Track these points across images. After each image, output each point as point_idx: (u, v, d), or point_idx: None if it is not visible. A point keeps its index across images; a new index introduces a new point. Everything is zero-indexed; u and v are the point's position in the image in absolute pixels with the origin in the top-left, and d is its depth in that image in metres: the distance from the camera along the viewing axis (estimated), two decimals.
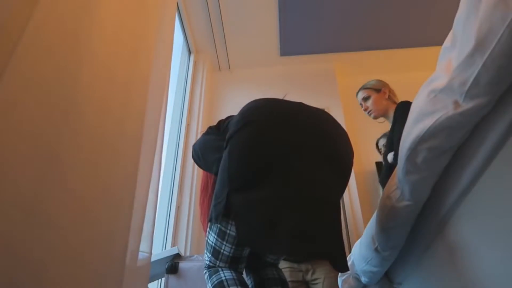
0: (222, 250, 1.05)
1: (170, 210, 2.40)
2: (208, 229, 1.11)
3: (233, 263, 1.07)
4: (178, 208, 2.45)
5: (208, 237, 1.10)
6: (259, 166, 0.96)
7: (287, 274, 1.84)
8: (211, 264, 1.09)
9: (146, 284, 0.99)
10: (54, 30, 0.68)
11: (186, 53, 3.16)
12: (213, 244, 1.07)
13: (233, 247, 1.04)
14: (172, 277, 1.62)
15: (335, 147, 1.04)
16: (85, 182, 0.72)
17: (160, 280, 2.00)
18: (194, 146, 1.44)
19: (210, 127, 1.40)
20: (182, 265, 1.65)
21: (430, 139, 0.63)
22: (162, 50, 1.18)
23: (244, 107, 1.16)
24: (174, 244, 2.27)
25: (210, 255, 1.09)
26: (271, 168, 0.95)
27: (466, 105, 0.56)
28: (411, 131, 0.67)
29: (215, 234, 1.06)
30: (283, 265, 1.88)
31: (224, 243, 1.04)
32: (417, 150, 0.66)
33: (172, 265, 1.64)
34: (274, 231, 0.87)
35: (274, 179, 0.93)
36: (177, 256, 1.69)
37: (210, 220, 1.08)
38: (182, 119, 2.80)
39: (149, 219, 0.97)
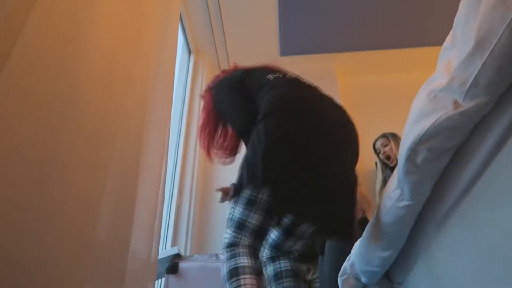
0: (248, 221, 1.07)
1: (170, 210, 2.40)
2: (232, 205, 1.14)
3: (257, 237, 1.10)
4: (178, 208, 2.45)
5: (232, 213, 1.11)
6: (295, 152, 1.03)
7: None
8: (232, 240, 1.09)
9: (153, 284, 0.99)
10: (52, 31, 0.68)
11: (186, 53, 3.16)
12: (238, 218, 1.08)
13: (263, 213, 1.07)
14: (172, 277, 1.61)
15: (354, 138, 1.18)
16: (85, 182, 0.72)
17: (160, 280, 2.00)
18: (214, 90, 1.42)
19: (234, 73, 1.44)
20: (182, 265, 1.65)
21: (430, 139, 0.63)
22: (166, 52, 1.18)
23: (281, 88, 1.21)
24: (174, 244, 2.27)
25: (233, 230, 1.10)
26: (307, 154, 1.02)
27: (466, 105, 0.56)
28: (411, 131, 0.67)
29: (243, 205, 1.07)
30: None
31: (254, 210, 1.06)
32: (417, 150, 0.66)
33: (172, 265, 1.63)
34: (306, 203, 0.99)
35: (309, 165, 1.02)
36: (177, 256, 1.69)
37: (237, 190, 1.09)
38: (182, 119, 2.80)
39: (154, 220, 0.97)
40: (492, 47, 0.50)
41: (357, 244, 1.15)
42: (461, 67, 0.55)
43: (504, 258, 0.57)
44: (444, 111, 0.60)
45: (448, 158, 0.66)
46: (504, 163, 0.54)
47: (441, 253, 0.78)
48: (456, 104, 0.58)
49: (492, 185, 0.58)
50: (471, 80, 0.54)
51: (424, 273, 0.88)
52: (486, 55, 0.50)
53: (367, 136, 3.18)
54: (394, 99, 3.28)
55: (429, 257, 0.83)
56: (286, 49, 3.28)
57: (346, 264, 1.21)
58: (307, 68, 3.48)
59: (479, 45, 0.51)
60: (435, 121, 0.61)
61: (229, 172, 2.87)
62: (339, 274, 1.28)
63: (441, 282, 0.82)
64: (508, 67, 0.49)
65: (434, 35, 2.95)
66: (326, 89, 3.76)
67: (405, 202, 0.78)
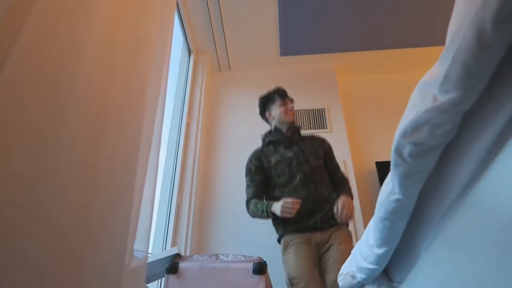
0: None
1: (170, 210, 2.40)
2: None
3: None
4: (178, 208, 2.45)
5: None
6: None
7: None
8: None
9: (143, 283, 0.99)
10: (52, 28, 0.69)
11: (186, 53, 3.16)
12: None
13: None
14: (172, 277, 1.61)
15: None
16: (83, 181, 0.72)
17: (160, 280, 2.00)
18: None
19: None
20: (182, 265, 1.65)
21: (413, 133, 0.64)
22: (161, 50, 1.18)
23: None
24: (174, 244, 2.28)
25: None
26: None
27: (442, 99, 0.57)
28: (401, 123, 0.68)
29: None
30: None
31: None
32: (402, 143, 0.67)
33: (172, 265, 1.63)
34: None
35: None
36: (177, 256, 1.69)
37: None
38: (182, 119, 2.80)
39: (146, 218, 0.97)
40: (459, 43, 0.51)
41: (358, 241, 1.15)
42: (439, 62, 0.57)
43: (504, 259, 0.57)
44: (424, 104, 0.61)
45: (436, 155, 0.66)
46: (505, 162, 0.54)
47: (441, 253, 0.77)
48: (434, 98, 0.59)
49: (493, 184, 0.58)
50: (443, 75, 0.55)
51: (424, 273, 0.88)
52: (454, 50, 0.52)
53: (367, 136, 3.18)
54: (394, 99, 3.28)
55: (430, 257, 0.83)
56: (286, 49, 3.28)
57: (346, 262, 1.21)
58: (307, 68, 3.50)
59: (451, 41, 0.53)
60: (415, 114, 0.63)
61: (229, 172, 2.87)
62: (339, 273, 1.28)
63: (441, 283, 0.82)
64: (472, 63, 0.51)
65: (434, 35, 2.96)
66: (326, 89, 3.78)
67: (395, 196, 0.78)
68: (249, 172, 1.86)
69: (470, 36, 0.49)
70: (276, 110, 1.93)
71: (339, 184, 1.84)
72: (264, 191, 1.80)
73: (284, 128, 1.90)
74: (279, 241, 1.79)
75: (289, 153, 1.81)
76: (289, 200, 1.60)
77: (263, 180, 1.81)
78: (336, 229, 1.69)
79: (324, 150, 1.90)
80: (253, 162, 1.86)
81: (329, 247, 1.65)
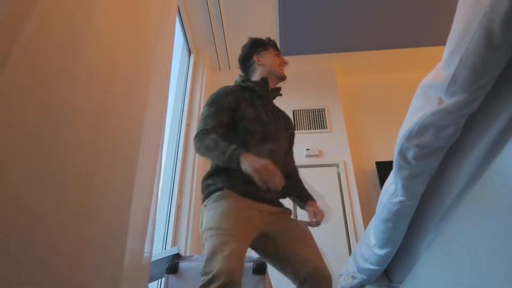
0: None
1: (170, 210, 2.40)
2: None
3: None
4: (178, 208, 2.45)
5: None
6: None
7: None
8: None
9: (146, 284, 0.99)
10: (52, 30, 0.69)
11: (186, 53, 3.16)
12: None
13: None
14: (172, 277, 1.61)
15: None
16: (83, 181, 0.72)
17: (160, 280, 2.00)
18: None
19: None
20: (182, 265, 1.65)
21: (418, 135, 0.64)
22: (162, 51, 1.18)
23: None
24: (174, 244, 2.28)
25: None
26: None
27: (448, 101, 0.57)
28: (404, 125, 0.68)
29: None
30: None
31: None
32: (407, 146, 0.67)
33: (172, 265, 1.63)
34: None
35: None
36: (177, 256, 1.69)
37: None
38: (182, 119, 2.80)
39: (149, 219, 0.97)
40: (467, 45, 0.50)
41: (359, 242, 1.15)
42: (444, 64, 0.57)
43: (504, 257, 0.57)
44: (430, 106, 0.61)
45: (439, 157, 0.66)
46: (503, 163, 0.54)
47: (441, 252, 0.77)
48: (440, 100, 0.59)
49: (491, 185, 0.58)
50: (450, 77, 0.55)
51: (424, 273, 0.88)
52: (462, 53, 0.51)
53: (367, 136, 3.18)
54: (394, 99, 3.28)
55: (429, 257, 0.83)
56: (286, 49, 3.28)
57: (348, 263, 1.21)
58: (307, 68, 3.49)
59: (458, 43, 0.52)
60: (421, 117, 0.62)
61: None
62: (339, 273, 1.28)
63: (440, 283, 0.82)
64: (481, 65, 0.50)
65: (435, 35, 2.96)
66: (326, 89, 3.77)
67: (398, 198, 0.78)
68: (219, 103, 1.31)
69: (478, 38, 0.48)
70: (268, 58, 1.50)
71: (295, 177, 1.42)
72: (224, 136, 1.24)
73: (271, 82, 1.46)
74: (210, 193, 1.22)
75: (264, 116, 1.35)
76: (273, 167, 1.05)
77: (228, 123, 1.30)
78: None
79: (291, 133, 1.52)
80: (229, 99, 1.32)
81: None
